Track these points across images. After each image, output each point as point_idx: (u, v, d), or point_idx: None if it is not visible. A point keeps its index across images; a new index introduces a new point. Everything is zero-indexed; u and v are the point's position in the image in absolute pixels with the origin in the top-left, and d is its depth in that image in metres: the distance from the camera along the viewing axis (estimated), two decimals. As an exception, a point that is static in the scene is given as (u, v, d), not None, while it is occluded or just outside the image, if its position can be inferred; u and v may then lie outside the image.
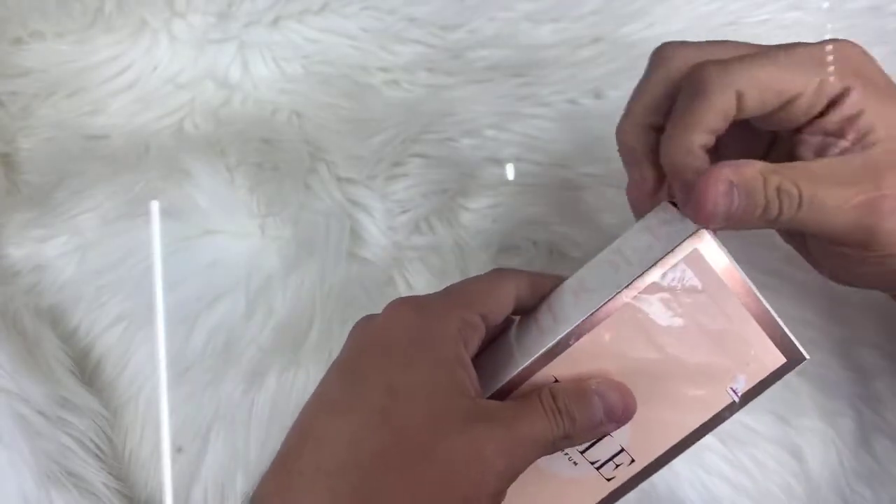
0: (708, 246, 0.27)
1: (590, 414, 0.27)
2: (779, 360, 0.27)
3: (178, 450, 0.42)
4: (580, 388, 0.28)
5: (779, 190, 0.26)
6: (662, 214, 0.30)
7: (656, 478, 0.30)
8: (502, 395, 0.29)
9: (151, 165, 0.46)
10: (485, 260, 0.44)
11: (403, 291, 0.44)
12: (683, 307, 0.27)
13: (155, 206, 0.45)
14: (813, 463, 0.40)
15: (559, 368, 0.28)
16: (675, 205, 0.29)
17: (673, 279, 0.27)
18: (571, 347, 0.28)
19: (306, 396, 0.43)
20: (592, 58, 0.47)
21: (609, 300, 0.27)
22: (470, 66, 0.48)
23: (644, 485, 0.29)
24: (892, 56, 0.47)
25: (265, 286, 0.44)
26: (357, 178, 0.46)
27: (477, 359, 0.30)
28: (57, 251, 0.44)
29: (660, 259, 0.27)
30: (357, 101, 0.48)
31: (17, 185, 0.47)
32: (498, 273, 0.31)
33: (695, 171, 0.27)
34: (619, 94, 0.47)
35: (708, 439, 0.33)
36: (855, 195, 0.26)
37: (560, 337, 0.28)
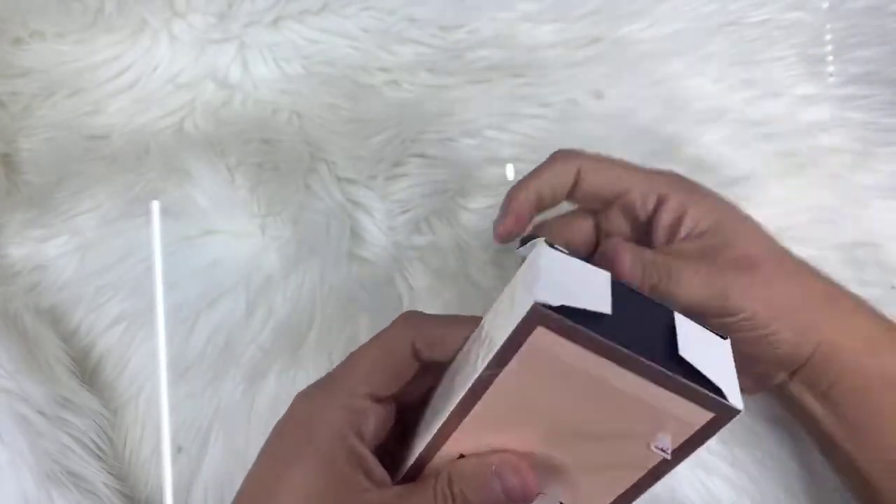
0: (543, 338, 0.24)
1: (487, 497, 0.27)
2: (705, 416, 0.25)
3: (178, 449, 0.42)
4: (479, 470, 0.27)
5: (653, 263, 0.33)
6: (525, 267, 0.28)
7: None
8: (417, 471, 0.28)
9: (152, 165, 0.46)
10: (485, 260, 0.44)
11: (403, 291, 0.44)
12: (555, 382, 0.25)
13: (155, 206, 0.45)
14: (813, 463, 0.40)
15: (462, 442, 0.27)
16: (550, 245, 0.27)
17: (523, 361, 0.25)
18: (465, 421, 0.26)
19: (306, 396, 0.43)
20: (592, 58, 0.47)
21: (478, 374, 0.25)
22: (470, 67, 0.48)
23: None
24: (893, 55, 0.47)
25: (265, 286, 0.44)
26: (357, 179, 0.46)
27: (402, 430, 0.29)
28: (57, 251, 0.44)
29: (499, 346, 0.25)
30: (357, 102, 0.48)
31: (18, 186, 0.47)
32: (386, 334, 0.30)
33: (516, 203, 0.36)
34: (619, 94, 0.47)
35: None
36: (701, 267, 0.33)
37: (447, 415, 0.26)
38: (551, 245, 0.27)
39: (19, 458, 0.38)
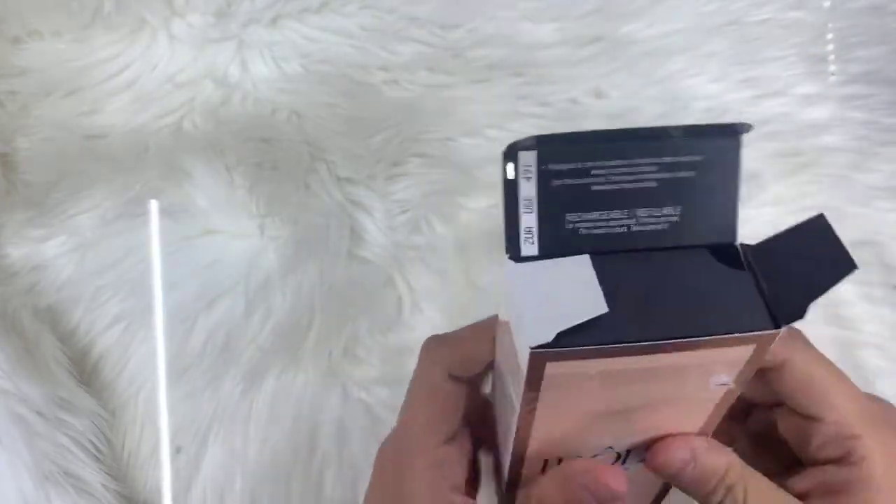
0: (557, 367, 0.24)
1: None
2: (748, 350, 0.25)
3: (176, 450, 0.42)
4: (565, 488, 0.27)
5: (730, 488, 0.27)
6: (503, 287, 0.27)
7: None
8: (513, 486, 0.29)
9: (150, 165, 0.46)
10: (485, 260, 0.44)
11: (403, 291, 0.44)
12: (593, 383, 0.25)
13: (154, 205, 0.45)
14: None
15: (540, 451, 0.28)
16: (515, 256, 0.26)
17: (552, 387, 0.25)
18: (532, 437, 0.27)
19: (305, 397, 0.43)
20: (593, 57, 0.47)
21: (517, 413, 0.26)
22: (470, 66, 0.48)
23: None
24: (894, 55, 0.47)
25: (264, 286, 0.44)
26: (357, 178, 0.46)
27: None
28: (56, 251, 0.44)
29: (523, 385, 0.25)
30: (356, 101, 0.47)
31: (16, 185, 0.47)
32: (421, 378, 0.30)
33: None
34: (620, 94, 0.47)
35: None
36: None
37: (513, 440, 0.27)
38: (516, 257, 0.25)
39: (17, 459, 0.37)
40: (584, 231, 0.25)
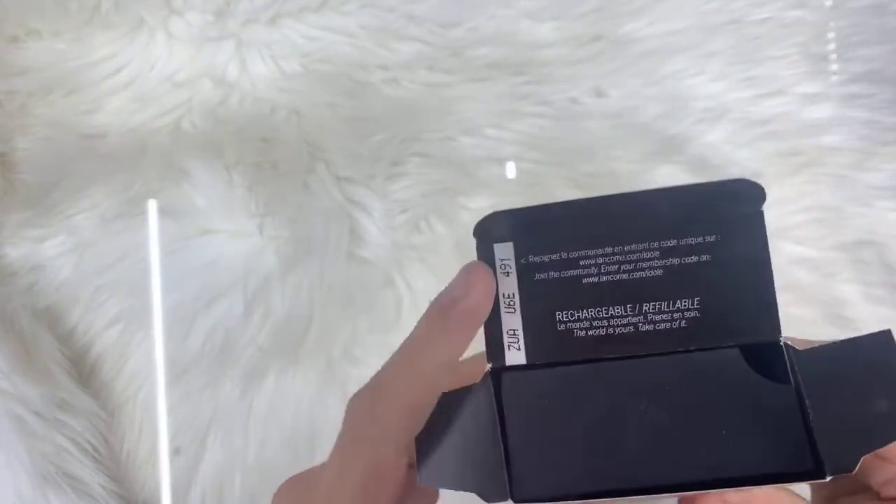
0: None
1: None
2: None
3: (175, 451, 0.42)
4: None
5: None
6: None
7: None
8: None
9: (149, 164, 0.46)
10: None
11: (403, 292, 0.44)
12: None
13: (153, 205, 0.45)
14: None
15: None
16: None
17: None
18: None
19: (304, 397, 0.43)
20: (593, 56, 0.47)
21: None
22: (470, 65, 0.47)
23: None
24: (894, 54, 0.47)
25: (264, 286, 0.44)
26: (356, 178, 0.46)
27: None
28: (54, 251, 0.44)
29: None
30: (356, 100, 0.47)
31: (14, 185, 0.47)
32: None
33: None
34: (620, 93, 0.47)
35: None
36: None
37: None
38: (499, 367, 0.21)
39: (15, 460, 0.37)
40: (579, 333, 0.21)
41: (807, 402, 0.19)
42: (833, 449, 0.19)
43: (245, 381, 0.42)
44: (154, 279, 0.43)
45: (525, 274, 0.21)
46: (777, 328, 0.20)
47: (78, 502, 0.38)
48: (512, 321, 0.21)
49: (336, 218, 0.45)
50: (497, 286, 0.21)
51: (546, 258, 0.21)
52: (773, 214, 0.43)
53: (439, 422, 0.21)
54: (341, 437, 0.24)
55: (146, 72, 0.47)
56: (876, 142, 0.46)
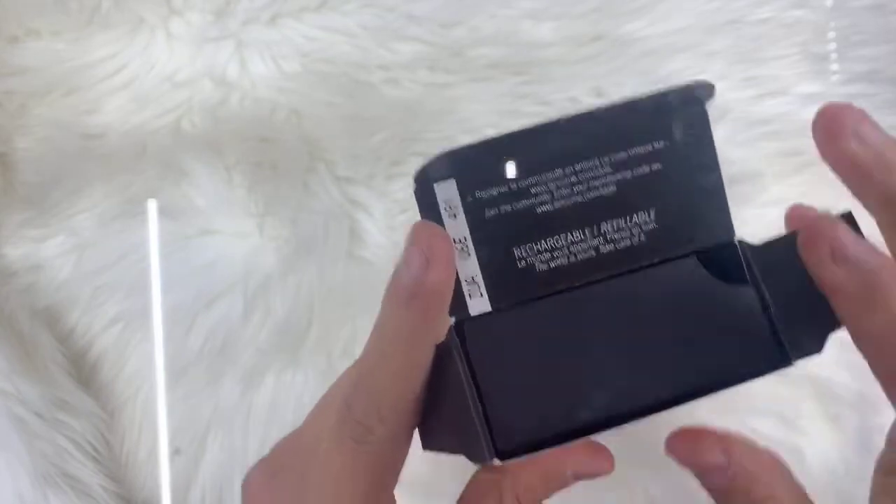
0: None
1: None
2: None
3: (175, 451, 0.42)
4: (551, 481, 0.24)
5: None
6: None
7: (659, 481, 0.29)
8: None
9: (149, 165, 0.46)
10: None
11: (403, 292, 0.44)
12: None
13: (152, 205, 0.45)
14: (814, 464, 0.40)
15: None
16: None
17: None
18: None
19: (304, 397, 0.43)
20: (593, 56, 0.47)
21: None
22: (470, 64, 0.47)
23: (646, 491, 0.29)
24: (895, 55, 0.47)
25: (263, 286, 0.44)
26: (356, 178, 0.46)
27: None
28: (54, 251, 0.44)
29: None
30: (356, 100, 0.47)
31: (14, 185, 0.47)
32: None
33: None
34: (621, 93, 0.46)
35: None
36: None
37: None
38: (461, 316, 0.20)
39: (15, 460, 0.37)
40: (541, 266, 0.20)
41: (766, 294, 0.19)
42: (797, 335, 0.19)
43: (245, 382, 0.42)
44: (154, 279, 0.43)
45: (473, 212, 0.20)
46: (730, 228, 0.20)
47: (78, 503, 0.38)
48: (468, 267, 0.20)
49: (336, 218, 0.45)
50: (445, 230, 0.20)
51: (494, 191, 0.20)
52: (774, 214, 0.43)
53: (429, 386, 0.20)
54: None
55: (146, 72, 0.47)
56: (876, 142, 0.45)
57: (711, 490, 0.24)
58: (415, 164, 0.46)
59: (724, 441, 0.23)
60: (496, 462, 0.19)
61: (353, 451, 0.22)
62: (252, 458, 0.42)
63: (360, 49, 0.48)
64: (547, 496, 0.25)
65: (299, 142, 0.46)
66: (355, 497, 0.22)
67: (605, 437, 0.21)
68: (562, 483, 0.25)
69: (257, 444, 0.42)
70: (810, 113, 0.48)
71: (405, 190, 0.46)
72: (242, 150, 0.46)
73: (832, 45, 0.47)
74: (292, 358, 0.43)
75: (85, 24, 0.47)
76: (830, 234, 0.20)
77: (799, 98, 0.46)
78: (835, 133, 0.20)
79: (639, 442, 0.28)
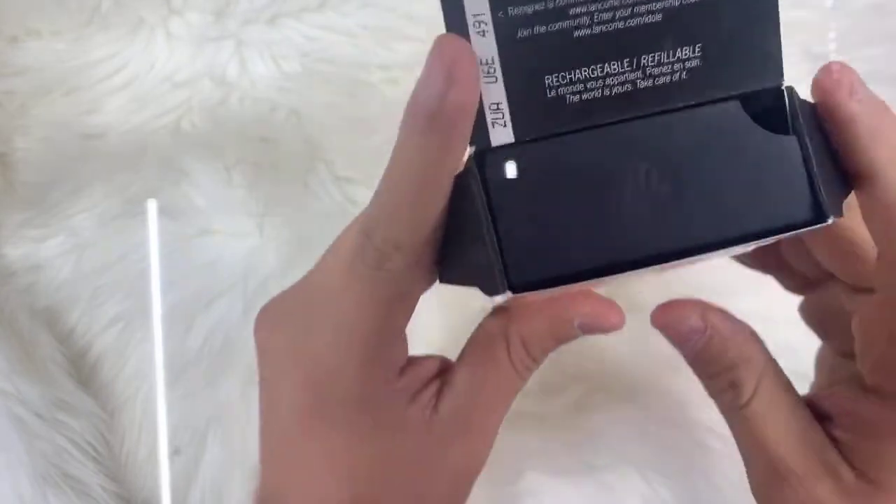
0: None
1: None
2: None
3: (175, 451, 0.42)
4: (558, 329, 0.24)
5: (736, 385, 0.23)
6: None
7: (660, 480, 0.29)
8: None
9: (148, 164, 0.46)
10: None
11: (403, 292, 0.44)
12: None
13: (152, 205, 0.45)
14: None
15: None
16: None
17: None
18: None
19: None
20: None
21: None
22: (470, 65, 0.47)
23: (646, 490, 0.29)
24: (894, 55, 0.47)
25: (263, 286, 0.44)
26: (356, 178, 0.46)
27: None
28: (53, 251, 0.44)
29: None
30: (356, 100, 0.47)
31: (13, 185, 0.47)
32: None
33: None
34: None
35: (710, 441, 0.32)
36: None
37: None
38: (484, 146, 0.19)
39: (15, 460, 0.37)
40: (572, 98, 0.18)
41: (809, 147, 0.19)
42: (828, 195, 0.18)
43: (245, 382, 0.42)
44: (154, 279, 0.43)
45: (505, 31, 0.18)
46: (780, 72, 0.20)
47: (78, 502, 0.38)
48: (494, 93, 0.18)
49: (336, 218, 0.45)
50: (472, 49, 0.18)
51: (529, 9, 0.17)
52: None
53: (447, 218, 0.20)
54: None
55: (146, 72, 0.47)
56: (876, 142, 0.46)
57: (691, 360, 0.24)
58: (415, 164, 0.46)
59: (702, 308, 0.24)
60: (509, 294, 0.18)
61: (368, 278, 0.22)
62: (252, 457, 0.42)
63: (360, 49, 0.48)
64: (553, 347, 0.25)
65: (299, 142, 0.46)
66: (365, 334, 0.22)
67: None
68: (569, 334, 0.25)
69: (257, 444, 0.42)
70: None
71: (405, 190, 0.46)
72: (242, 150, 0.46)
73: (832, 45, 0.47)
74: (292, 358, 0.43)
75: (85, 24, 0.47)
76: (849, 77, 0.21)
77: (799, 98, 0.46)
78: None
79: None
